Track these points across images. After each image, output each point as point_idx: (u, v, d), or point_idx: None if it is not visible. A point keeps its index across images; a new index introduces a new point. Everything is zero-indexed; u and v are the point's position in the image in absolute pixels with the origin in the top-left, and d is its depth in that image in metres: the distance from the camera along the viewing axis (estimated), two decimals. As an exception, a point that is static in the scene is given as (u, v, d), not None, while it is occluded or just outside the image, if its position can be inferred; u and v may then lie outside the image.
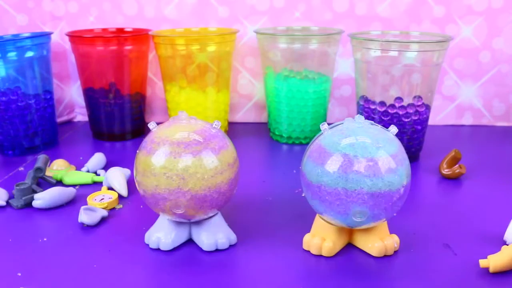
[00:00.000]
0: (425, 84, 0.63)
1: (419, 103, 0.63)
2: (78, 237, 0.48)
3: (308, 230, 0.46)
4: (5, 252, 0.45)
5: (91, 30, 0.81)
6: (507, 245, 0.44)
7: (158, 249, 0.45)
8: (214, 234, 0.45)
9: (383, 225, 0.44)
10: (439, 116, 0.83)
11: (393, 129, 0.42)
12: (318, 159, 0.41)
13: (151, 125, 0.44)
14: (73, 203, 0.55)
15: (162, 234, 0.45)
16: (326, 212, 0.42)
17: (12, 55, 0.67)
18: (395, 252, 0.44)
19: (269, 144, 0.76)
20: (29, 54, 0.68)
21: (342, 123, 0.43)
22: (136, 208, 0.54)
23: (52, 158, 0.64)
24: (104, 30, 0.81)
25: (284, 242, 0.46)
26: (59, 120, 0.84)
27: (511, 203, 0.54)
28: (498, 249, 0.43)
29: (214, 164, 0.41)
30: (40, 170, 0.56)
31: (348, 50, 0.76)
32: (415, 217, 0.51)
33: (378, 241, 0.43)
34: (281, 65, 0.72)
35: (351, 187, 0.39)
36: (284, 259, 0.43)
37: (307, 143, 0.72)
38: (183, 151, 0.41)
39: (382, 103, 0.63)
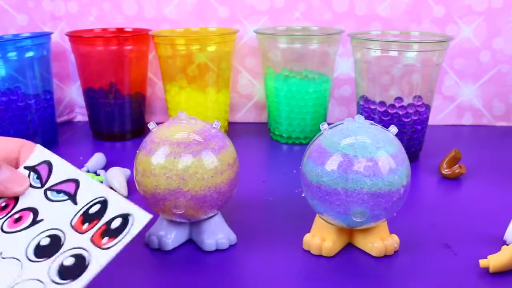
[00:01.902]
0: (425, 84, 0.63)
1: (419, 103, 0.63)
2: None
3: (308, 230, 0.46)
4: (5, 252, 0.45)
5: (91, 30, 0.81)
6: (507, 245, 0.44)
7: (158, 249, 0.45)
8: (214, 234, 0.45)
9: (383, 225, 0.44)
10: (439, 116, 0.83)
11: (393, 129, 0.42)
12: (318, 159, 0.41)
13: (151, 125, 0.44)
14: (73, 203, 0.55)
15: (162, 234, 0.45)
16: (326, 212, 0.42)
17: (12, 55, 0.67)
18: (395, 252, 0.44)
19: (269, 144, 0.76)
20: (29, 54, 0.68)
21: (342, 123, 0.43)
22: (136, 208, 0.54)
23: (52, 158, 0.64)
24: (104, 30, 0.81)
25: (284, 242, 0.46)
26: (59, 120, 0.84)
27: (511, 203, 0.54)
28: (498, 249, 0.43)
29: (214, 164, 0.41)
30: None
31: (348, 50, 0.76)
32: (415, 217, 0.51)
33: (378, 241, 0.43)
34: (281, 65, 0.72)
35: (351, 187, 0.39)
36: (284, 259, 0.43)
37: (307, 143, 0.72)
38: (183, 151, 0.41)
39: (382, 103, 0.63)
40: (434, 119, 0.83)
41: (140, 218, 0.30)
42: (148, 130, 0.45)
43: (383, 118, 0.64)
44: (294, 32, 0.78)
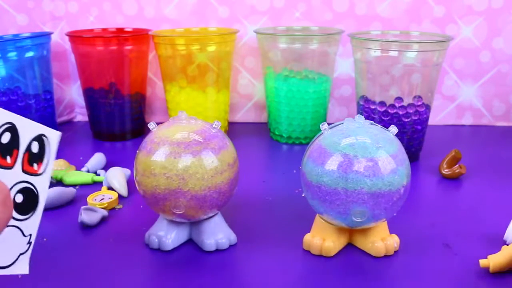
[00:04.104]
0: (425, 84, 0.63)
1: (419, 103, 0.63)
2: (78, 237, 0.48)
3: (308, 230, 0.46)
4: (5, 252, 0.45)
5: (91, 30, 0.81)
6: (507, 245, 0.44)
7: (158, 249, 0.45)
8: (214, 234, 0.45)
9: (383, 225, 0.44)
10: (439, 116, 0.83)
11: (393, 129, 0.42)
12: (318, 159, 0.41)
13: (151, 125, 0.44)
14: (73, 203, 0.55)
15: (162, 234, 0.45)
16: (326, 212, 0.42)
17: (12, 55, 0.67)
18: (395, 252, 0.44)
19: (269, 144, 0.76)
20: (29, 54, 0.68)
21: (342, 123, 0.43)
22: (136, 208, 0.54)
23: (52, 158, 0.64)
24: (104, 30, 0.81)
25: (284, 242, 0.46)
26: (59, 120, 0.84)
27: (511, 203, 0.54)
28: (498, 249, 0.43)
29: (214, 164, 0.41)
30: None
31: (348, 50, 0.76)
32: (415, 217, 0.51)
33: (378, 241, 0.43)
34: (281, 65, 0.72)
35: (351, 187, 0.39)
36: (284, 259, 0.43)
37: (307, 143, 0.72)
38: (183, 151, 0.41)
39: (382, 103, 0.63)
40: (434, 119, 0.83)
41: (52, 137, 0.32)
42: (148, 130, 0.45)
43: (383, 118, 0.64)
44: (294, 32, 0.78)
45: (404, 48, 0.61)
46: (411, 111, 0.63)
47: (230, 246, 0.45)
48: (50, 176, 0.32)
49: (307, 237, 0.45)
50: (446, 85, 0.81)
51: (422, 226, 0.49)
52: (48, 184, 0.32)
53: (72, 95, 0.87)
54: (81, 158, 0.68)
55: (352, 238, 0.45)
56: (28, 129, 0.31)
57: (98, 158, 0.64)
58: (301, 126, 0.73)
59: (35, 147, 0.31)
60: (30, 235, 0.32)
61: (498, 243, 0.45)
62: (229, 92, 0.78)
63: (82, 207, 0.50)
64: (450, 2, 0.77)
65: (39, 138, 0.31)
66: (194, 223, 0.45)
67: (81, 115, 0.88)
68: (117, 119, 0.76)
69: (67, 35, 0.74)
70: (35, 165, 0.31)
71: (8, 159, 0.30)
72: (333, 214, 0.41)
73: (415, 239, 0.46)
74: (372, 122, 0.43)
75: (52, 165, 0.32)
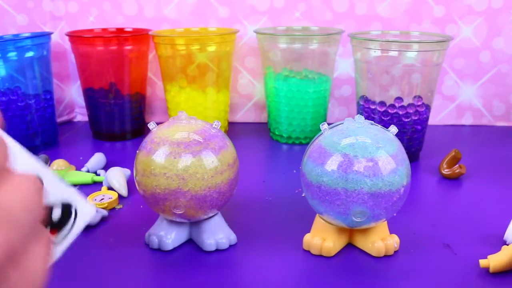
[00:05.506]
0: (425, 84, 0.63)
1: (419, 103, 0.63)
2: (78, 237, 0.47)
3: (308, 230, 0.46)
4: (5, 252, 0.45)
5: (91, 30, 0.81)
6: (507, 245, 0.44)
7: (158, 249, 0.45)
8: (214, 234, 0.45)
9: (383, 225, 0.44)
10: (439, 116, 0.83)
11: (393, 129, 0.42)
12: (318, 159, 0.41)
13: (151, 125, 0.44)
14: (73, 203, 0.55)
15: (162, 234, 0.45)
16: (326, 212, 0.42)
17: (12, 55, 0.67)
18: (395, 252, 0.44)
19: (269, 144, 0.76)
20: (29, 54, 0.68)
21: (342, 123, 0.43)
22: (136, 208, 0.54)
23: (52, 158, 0.64)
24: (104, 30, 0.81)
25: (284, 242, 0.46)
26: (59, 120, 0.84)
27: (511, 203, 0.54)
28: (498, 249, 0.43)
29: (214, 164, 0.41)
30: (40, 170, 0.56)
31: (348, 50, 0.76)
32: (415, 217, 0.50)
33: (378, 241, 0.43)
34: (281, 65, 0.72)
35: (351, 187, 0.39)
36: (284, 259, 0.43)
37: (307, 143, 0.72)
38: (183, 151, 0.41)
39: (382, 103, 0.63)
40: (434, 119, 0.83)
41: (83, 212, 0.26)
42: (148, 130, 0.45)
43: (383, 118, 0.64)
44: (294, 32, 0.78)
45: (404, 48, 0.61)
46: (411, 111, 0.63)
47: (230, 246, 0.45)
48: (59, 255, 0.26)
49: (307, 237, 0.45)
50: (446, 85, 0.81)
51: (422, 226, 0.49)
52: (55, 258, 0.26)
53: (72, 95, 0.87)
54: (81, 158, 0.68)
55: (352, 238, 0.45)
56: (56, 188, 0.25)
57: (98, 158, 0.64)
58: (301, 126, 0.73)
59: (56, 213, 0.25)
60: None
61: (498, 243, 0.45)
62: (229, 92, 0.78)
63: (82, 207, 0.50)
64: (450, 2, 0.77)
65: (66, 208, 0.26)
66: (194, 223, 0.45)
67: (81, 115, 0.88)
68: (117, 119, 0.76)
69: (67, 35, 0.74)
70: (48, 227, 0.25)
71: None
72: (333, 214, 0.41)
73: (415, 239, 0.46)
74: (372, 122, 0.43)
75: (67, 244, 0.26)
